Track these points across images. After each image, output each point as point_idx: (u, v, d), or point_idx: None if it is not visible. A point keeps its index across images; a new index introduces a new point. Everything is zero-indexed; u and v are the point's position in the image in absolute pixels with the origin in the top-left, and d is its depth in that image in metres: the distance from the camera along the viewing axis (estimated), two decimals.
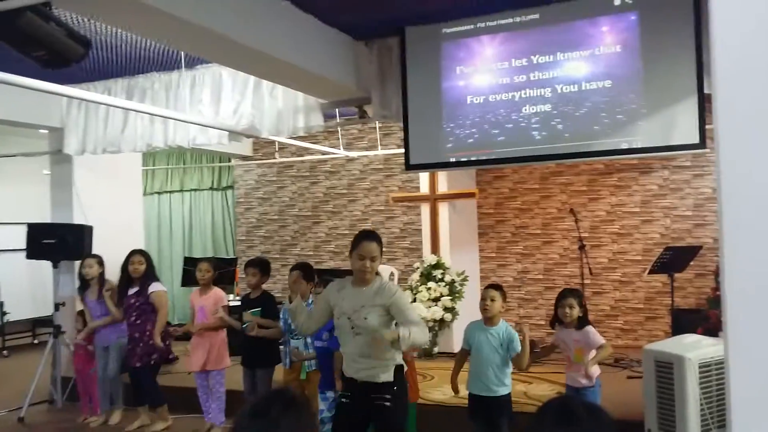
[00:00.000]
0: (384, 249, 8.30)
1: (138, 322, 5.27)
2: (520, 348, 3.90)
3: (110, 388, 5.62)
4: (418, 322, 3.31)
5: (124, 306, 5.37)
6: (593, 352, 4.03)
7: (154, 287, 5.35)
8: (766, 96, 1.36)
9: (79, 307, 6.15)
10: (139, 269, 5.31)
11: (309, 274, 4.53)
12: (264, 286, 4.87)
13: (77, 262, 6.46)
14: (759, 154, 1.35)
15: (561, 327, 4.15)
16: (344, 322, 3.36)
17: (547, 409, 1.39)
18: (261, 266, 4.88)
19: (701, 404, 3.72)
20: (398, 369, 3.39)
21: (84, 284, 5.70)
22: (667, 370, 3.90)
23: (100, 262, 5.69)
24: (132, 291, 5.33)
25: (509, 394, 3.93)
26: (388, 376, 3.34)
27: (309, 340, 4.39)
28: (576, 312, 4.06)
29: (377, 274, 3.45)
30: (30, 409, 5.83)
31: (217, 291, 5.18)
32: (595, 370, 4.10)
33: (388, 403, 3.30)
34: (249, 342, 4.71)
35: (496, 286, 4.08)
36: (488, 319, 3.97)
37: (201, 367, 5.04)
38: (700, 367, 3.72)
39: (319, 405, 4.21)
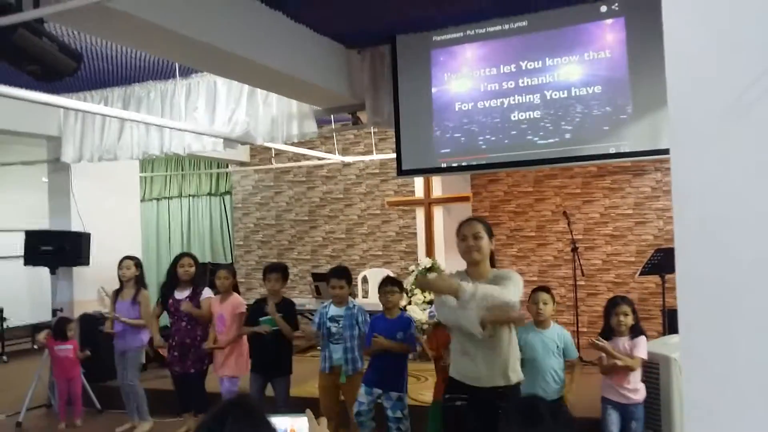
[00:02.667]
0: (380, 253, 8.32)
1: (189, 327, 5.10)
2: (576, 355, 3.87)
3: (132, 397, 5.53)
4: (506, 284, 2.95)
5: (171, 309, 5.20)
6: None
7: (207, 293, 5.21)
8: (716, 105, 1.43)
9: (78, 312, 6.23)
10: (189, 271, 5.20)
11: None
12: (263, 290, 4.89)
13: (75, 269, 6.55)
14: (709, 163, 1.42)
15: (613, 337, 3.93)
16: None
17: (512, 409, 1.45)
18: (283, 272, 4.87)
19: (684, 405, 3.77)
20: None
21: (119, 285, 5.60)
22: (653, 370, 3.97)
23: (138, 264, 5.61)
24: (182, 295, 5.18)
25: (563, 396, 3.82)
26: (517, 376, 3.12)
27: (349, 345, 4.41)
28: (630, 320, 3.90)
29: (493, 266, 3.19)
30: (28, 413, 5.89)
31: (235, 297, 5.08)
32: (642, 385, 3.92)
33: None
34: (264, 349, 4.69)
35: (546, 289, 4.00)
36: (540, 323, 3.90)
37: (235, 372, 4.96)
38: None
39: (359, 398, 4.28)
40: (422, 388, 5.60)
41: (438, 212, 7.62)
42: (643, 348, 3.84)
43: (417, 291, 7.07)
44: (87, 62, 5.20)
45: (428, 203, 7.58)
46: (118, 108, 5.85)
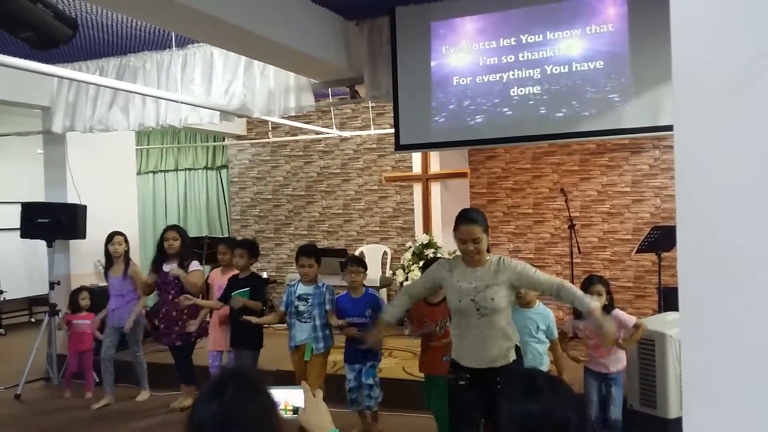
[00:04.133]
0: (377, 228, 8.29)
1: (176, 299, 5.05)
2: (555, 335, 3.94)
3: (137, 369, 5.67)
4: (561, 281, 3.22)
5: (160, 282, 5.24)
6: (621, 333, 3.91)
7: (195, 266, 5.23)
8: (723, 80, 1.40)
9: (75, 285, 6.22)
10: (174, 245, 5.19)
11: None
12: (258, 266, 4.93)
13: (71, 242, 6.54)
14: (713, 138, 1.40)
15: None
16: (467, 305, 3.17)
17: (512, 382, 1.46)
18: (249, 248, 4.92)
19: (681, 380, 3.80)
20: (517, 348, 3.28)
21: (108, 261, 5.59)
22: (648, 347, 3.99)
23: (126, 239, 5.63)
24: (169, 268, 5.20)
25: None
26: (512, 356, 3.22)
27: (318, 323, 4.44)
28: (604, 299, 3.94)
29: (489, 251, 3.30)
30: (26, 386, 5.93)
31: (235, 272, 5.06)
32: (623, 354, 4.02)
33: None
34: (235, 323, 4.76)
35: None
36: (526, 303, 3.94)
37: (220, 346, 5.06)
38: (681, 344, 3.79)
39: (346, 375, 4.47)
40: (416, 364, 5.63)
41: (435, 188, 7.60)
42: (627, 316, 4.00)
43: (414, 267, 7.07)
44: (82, 31, 5.13)
45: (426, 179, 7.55)
46: (113, 78, 5.78)
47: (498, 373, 3.15)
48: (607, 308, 3.96)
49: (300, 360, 4.52)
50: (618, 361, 3.98)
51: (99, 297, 5.91)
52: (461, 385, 3.22)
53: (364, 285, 4.61)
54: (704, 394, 1.35)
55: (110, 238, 5.56)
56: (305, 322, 4.47)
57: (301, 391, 1.72)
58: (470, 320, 3.18)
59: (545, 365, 3.89)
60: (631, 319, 3.98)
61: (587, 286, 4.02)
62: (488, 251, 3.28)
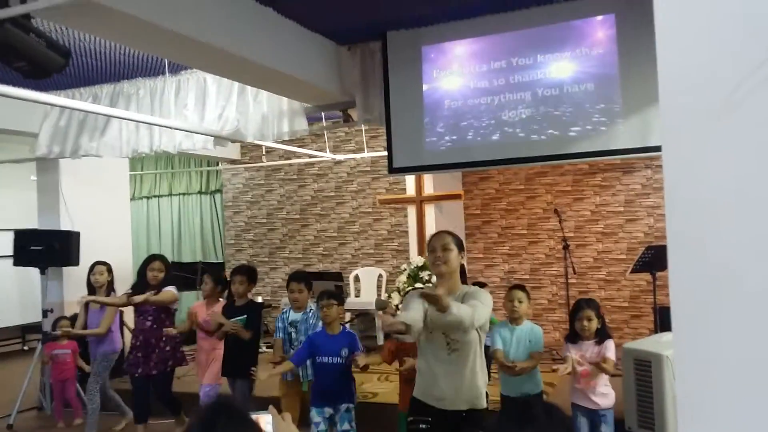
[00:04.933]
0: (372, 251, 8.31)
1: (154, 326, 4.94)
2: (540, 349, 3.93)
3: (112, 396, 5.61)
4: (475, 305, 2.87)
5: (137, 311, 5.05)
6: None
7: (168, 288, 5.01)
8: (708, 101, 1.42)
9: (69, 313, 6.17)
10: (159, 277, 4.98)
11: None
12: (254, 290, 4.85)
13: (65, 269, 6.50)
14: (701, 158, 1.42)
15: (578, 341, 3.92)
16: (437, 337, 2.98)
17: (509, 410, 1.45)
18: (248, 274, 4.79)
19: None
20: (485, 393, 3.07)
21: (90, 291, 5.42)
22: (645, 368, 3.97)
23: (110, 269, 5.48)
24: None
25: (541, 392, 3.91)
26: (483, 401, 3.02)
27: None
28: (594, 324, 3.86)
29: (465, 283, 3.16)
30: (19, 415, 5.85)
31: (221, 303, 4.94)
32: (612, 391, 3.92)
33: None
34: (229, 352, 4.67)
35: (521, 287, 4.07)
36: (514, 320, 4.00)
37: (214, 380, 4.88)
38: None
39: (313, 419, 4.08)
40: None
41: (430, 210, 7.61)
42: (611, 350, 3.83)
43: (409, 290, 7.05)
44: (75, 58, 5.15)
45: (420, 201, 7.57)
46: (106, 105, 5.80)
47: (465, 418, 2.95)
48: (600, 333, 3.89)
49: (294, 390, 4.41)
50: (607, 397, 3.86)
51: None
52: (421, 429, 3.01)
53: (341, 323, 4.35)
54: (700, 413, 1.35)
55: (92, 268, 5.45)
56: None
57: (269, 415, 1.64)
58: (437, 354, 3.00)
59: (535, 383, 3.86)
60: (612, 356, 3.82)
61: (576, 311, 3.94)
62: (465, 283, 3.17)
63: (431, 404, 3.01)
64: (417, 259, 7.28)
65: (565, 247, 6.68)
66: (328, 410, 4.10)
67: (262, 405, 1.73)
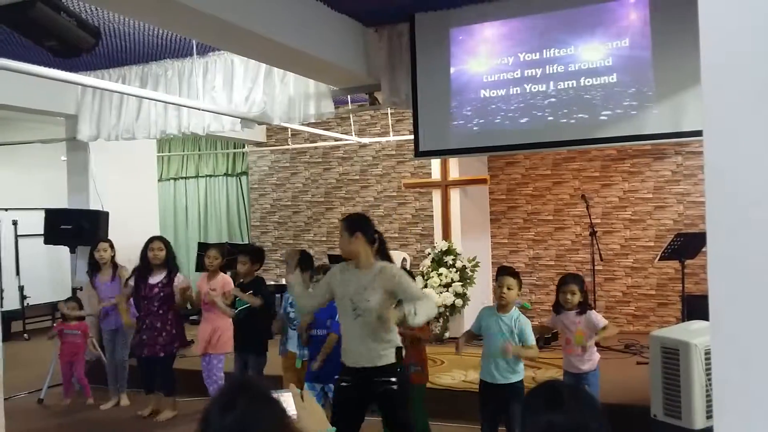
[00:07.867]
0: (396, 235, 8.28)
1: (161, 311, 5.12)
2: (532, 341, 3.87)
3: (118, 372, 5.74)
4: (423, 295, 3.41)
5: (144, 294, 5.19)
6: (590, 334, 4.09)
7: (180, 278, 5.21)
8: (752, 89, 1.38)
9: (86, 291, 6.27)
10: (159, 255, 5.15)
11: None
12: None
13: None
14: (743, 142, 1.37)
15: (562, 311, 4.21)
16: (346, 304, 3.43)
17: (536, 393, 1.44)
18: (251, 254, 5.03)
19: (707, 390, 3.73)
20: (398, 350, 3.43)
21: (94, 268, 5.70)
22: (673, 356, 3.91)
23: (112, 245, 5.77)
24: (155, 280, 5.18)
25: (521, 381, 3.87)
26: (390, 358, 3.40)
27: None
28: (577, 298, 4.12)
29: (382, 258, 3.51)
30: (49, 391, 5.98)
31: (224, 277, 5.23)
32: (596, 355, 4.16)
33: (394, 386, 3.36)
34: (241, 329, 4.86)
35: (513, 273, 3.98)
36: (502, 307, 3.93)
37: (203, 350, 5.12)
38: (705, 354, 3.73)
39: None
40: (438, 371, 5.60)
41: (455, 194, 7.56)
42: (599, 317, 4.14)
43: (433, 274, 7.05)
44: (104, 40, 5.18)
45: (445, 185, 7.52)
46: (135, 86, 5.84)
47: (375, 373, 3.35)
48: (581, 306, 4.13)
49: (289, 365, 4.55)
50: (590, 361, 4.11)
51: None
52: (342, 386, 3.46)
53: None
54: (735, 404, 1.32)
55: (95, 245, 5.71)
56: (294, 329, 4.49)
57: (289, 394, 1.65)
58: (347, 320, 3.43)
59: (519, 368, 3.87)
60: (601, 322, 4.10)
61: (561, 285, 4.18)
62: (380, 259, 3.50)
63: (350, 365, 3.43)
64: (441, 244, 7.26)
65: (592, 234, 6.60)
66: (319, 385, 4.24)
67: (273, 384, 1.74)
